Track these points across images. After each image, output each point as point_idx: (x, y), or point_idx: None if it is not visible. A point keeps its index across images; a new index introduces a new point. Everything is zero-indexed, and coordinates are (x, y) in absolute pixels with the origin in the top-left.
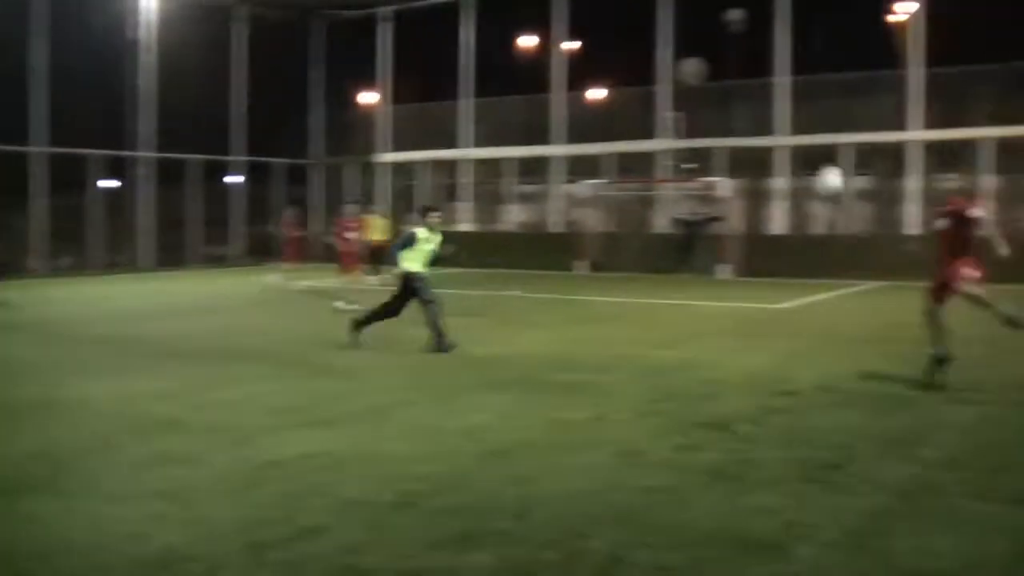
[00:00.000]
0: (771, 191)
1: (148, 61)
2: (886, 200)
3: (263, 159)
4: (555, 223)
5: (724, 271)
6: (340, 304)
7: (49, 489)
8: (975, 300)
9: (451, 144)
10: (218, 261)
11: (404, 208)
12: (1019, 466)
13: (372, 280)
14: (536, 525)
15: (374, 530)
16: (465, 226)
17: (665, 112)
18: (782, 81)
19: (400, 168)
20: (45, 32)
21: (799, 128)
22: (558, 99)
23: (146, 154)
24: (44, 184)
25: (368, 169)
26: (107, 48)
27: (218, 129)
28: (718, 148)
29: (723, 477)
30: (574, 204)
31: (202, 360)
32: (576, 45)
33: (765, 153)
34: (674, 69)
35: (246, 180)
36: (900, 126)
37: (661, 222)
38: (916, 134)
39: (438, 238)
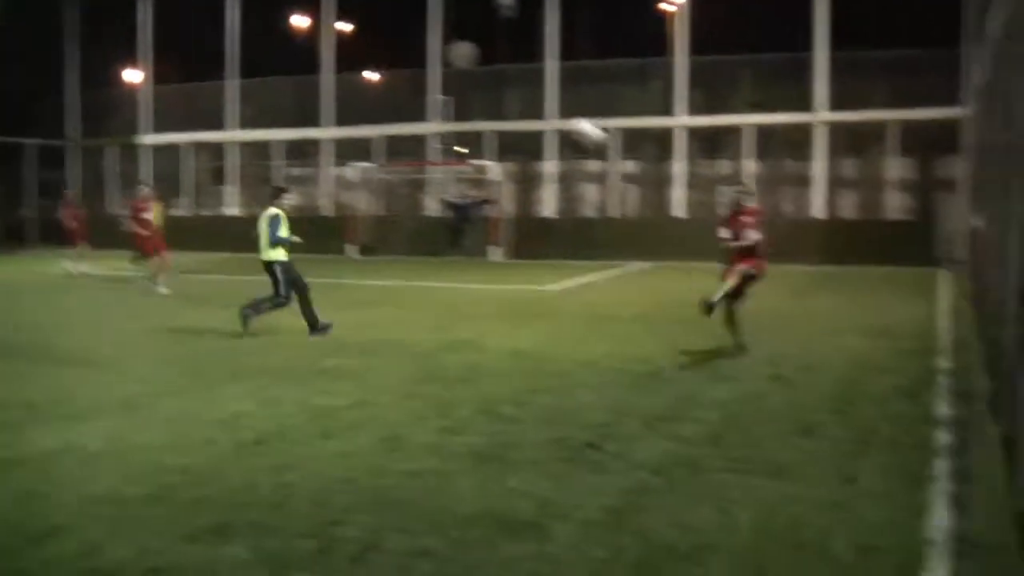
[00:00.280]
0: (541, 174)
1: None
2: (654, 184)
3: (12, 140)
4: (325, 206)
5: (495, 254)
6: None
7: None
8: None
9: (217, 126)
10: None
11: (169, 192)
12: (771, 439)
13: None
14: (292, 515)
15: (121, 527)
16: (232, 210)
17: (436, 95)
18: (552, 66)
19: (163, 151)
20: None
21: (568, 112)
22: (327, 81)
23: None
24: None
25: (129, 151)
26: None
27: None
28: (488, 132)
29: (484, 459)
30: (344, 187)
31: None
32: (347, 27)
33: (535, 137)
34: (445, 52)
35: None
36: (666, 112)
37: (432, 205)
38: (681, 120)
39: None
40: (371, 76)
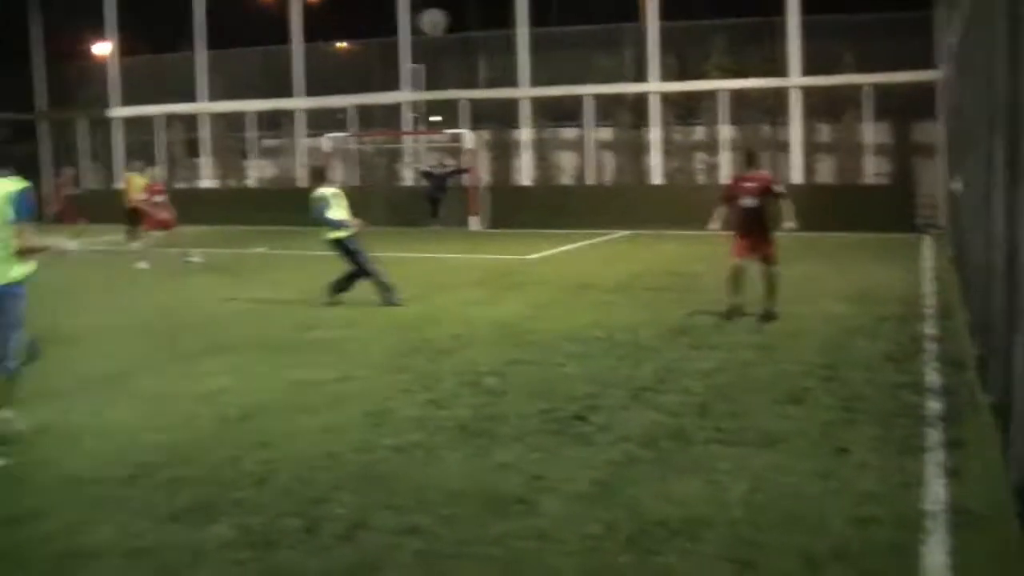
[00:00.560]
0: (516, 143)
1: None
2: (630, 151)
3: None
4: (300, 178)
5: (473, 223)
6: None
7: None
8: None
9: (188, 98)
10: None
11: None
12: (759, 408)
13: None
14: (277, 492)
15: (103, 507)
16: (207, 183)
17: (407, 64)
18: (523, 32)
19: (133, 123)
20: None
21: (541, 80)
22: (297, 51)
23: None
24: None
25: (100, 124)
26: None
27: None
28: (462, 100)
29: (471, 433)
30: (318, 158)
31: None
32: None
33: (509, 105)
34: (415, 20)
35: None
36: (640, 78)
37: (408, 175)
38: (655, 86)
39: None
40: (341, 45)
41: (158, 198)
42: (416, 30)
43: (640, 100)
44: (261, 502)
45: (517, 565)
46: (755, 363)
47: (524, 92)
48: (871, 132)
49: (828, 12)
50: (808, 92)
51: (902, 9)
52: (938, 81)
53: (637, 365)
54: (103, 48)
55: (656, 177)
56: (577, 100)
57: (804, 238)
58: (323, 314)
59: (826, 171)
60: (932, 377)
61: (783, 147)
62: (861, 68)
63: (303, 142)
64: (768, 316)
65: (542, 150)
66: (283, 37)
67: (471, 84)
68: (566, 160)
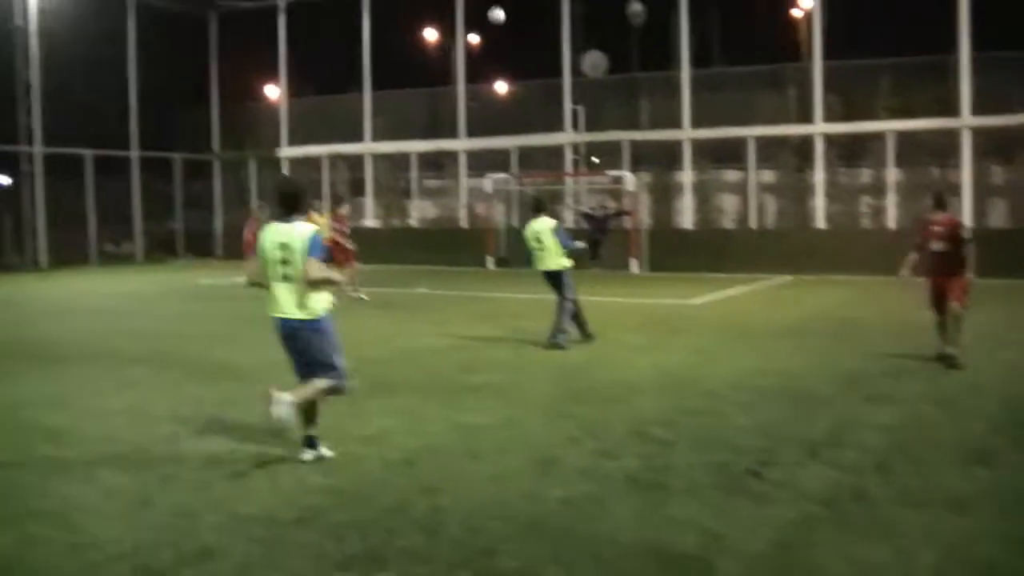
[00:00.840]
0: (678, 185)
1: (35, 51)
2: (792, 193)
3: (161, 154)
4: (462, 218)
5: (633, 266)
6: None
7: None
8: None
9: (352, 138)
10: (117, 259)
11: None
12: (944, 468)
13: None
14: (445, 542)
15: (273, 550)
16: (370, 222)
17: (569, 105)
18: (685, 74)
19: (301, 162)
20: None
21: (703, 122)
22: (460, 92)
23: (31, 149)
24: None
25: (268, 163)
26: None
27: (113, 122)
28: (623, 141)
29: (641, 485)
30: (479, 199)
31: (99, 362)
32: (476, 38)
33: (671, 146)
34: (578, 62)
35: (141, 175)
36: (803, 119)
37: (568, 217)
38: (820, 127)
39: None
40: (502, 87)
41: (345, 229)
42: (577, 71)
43: (804, 142)
44: (430, 551)
45: None
46: (936, 418)
47: (686, 134)
48: None
49: (1001, 49)
50: (979, 132)
51: None
52: None
53: (810, 417)
54: (273, 90)
55: (819, 221)
56: (739, 142)
57: (976, 285)
58: (485, 356)
59: (998, 214)
60: None
61: (953, 190)
62: None
63: (465, 183)
64: (949, 361)
65: (703, 192)
66: (446, 79)
67: (632, 125)
68: (728, 203)
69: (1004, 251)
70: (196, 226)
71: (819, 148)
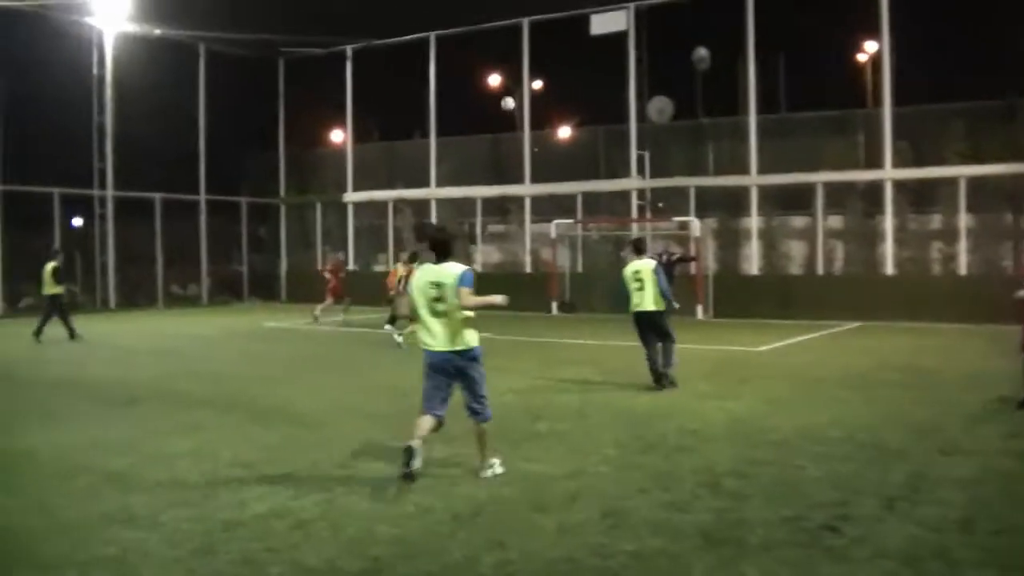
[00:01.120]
0: (744, 230)
1: (109, 97)
2: (861, 239)
3: (228, 198)
4: (526, 263)
5: (699, 312)
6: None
7: None
8: None
9: (417, 183)
10: (184, 300)
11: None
12: None
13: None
14: None
15: None
16: None
17: (635, 151)
18: (752, 119)
19: (366, 207)
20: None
21: (770, 167)
22: (525, 138)
23: (104, 192)
24: None
25: (333, 207)
26: (69, 84)
27: (182, 167)
28: (689, 187)
29: (715, 541)
30: (544, 244)
31: (164, 404)
32: (540, 84)
33: (737, 192)
34: (643, 107)
35: (208, 218)
36: (872, 165)
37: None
38: (889, 173)
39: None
40: (568, 132)
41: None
42: (643, 117)
43: (873, 187)
44: None
45: None
46: (1017, 472)
47: (752, 179)
48: None
49: None
50: None
51: None
52: None
53: (885, 470)
54: (339, 135)
55: (888, 267)
56: (807, 187)
57: None
58: (551, 402)
59: None
60: None
61: None
62: None
63: (529, 228)
64: None
65: (770, 238)
66: (511, 124)
67: (698, 171)
68: (795, 249)
69: None
70: (261, 269)
71: (888, 193)
